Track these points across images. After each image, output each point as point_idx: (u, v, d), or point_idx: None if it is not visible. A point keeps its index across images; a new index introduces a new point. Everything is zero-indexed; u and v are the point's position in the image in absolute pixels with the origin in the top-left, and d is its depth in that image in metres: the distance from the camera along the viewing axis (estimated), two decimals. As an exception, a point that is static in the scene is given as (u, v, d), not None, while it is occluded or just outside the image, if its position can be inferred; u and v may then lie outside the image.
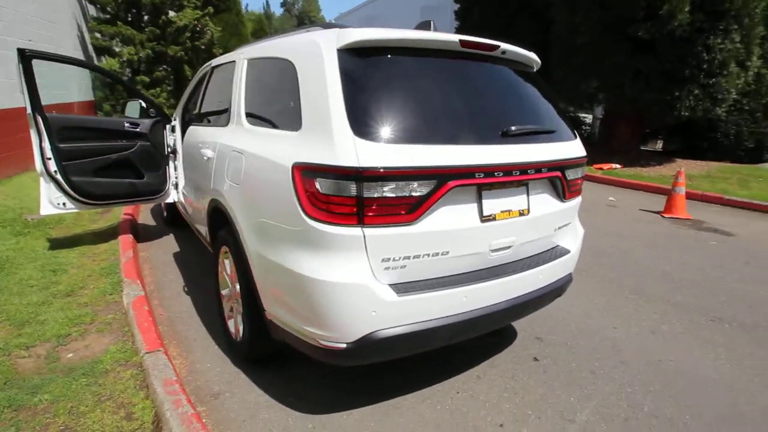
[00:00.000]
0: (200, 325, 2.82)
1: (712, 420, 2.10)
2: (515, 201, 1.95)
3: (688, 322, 3.05)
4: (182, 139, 4.13)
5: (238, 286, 2.34)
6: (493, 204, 1.87)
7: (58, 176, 3.56)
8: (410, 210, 1.66)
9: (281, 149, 1.82)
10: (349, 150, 1.58)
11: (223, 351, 2.54)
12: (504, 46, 2.07)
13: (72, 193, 3.65)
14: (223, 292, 2.64)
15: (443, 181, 1.69)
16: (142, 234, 4.52)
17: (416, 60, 1.88)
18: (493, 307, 1.92)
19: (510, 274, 1.96)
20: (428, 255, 1.75)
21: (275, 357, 2.42)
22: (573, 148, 2.20)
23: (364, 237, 1.63)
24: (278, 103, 2.11)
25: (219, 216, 2.52)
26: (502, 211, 1.90)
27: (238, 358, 2.44)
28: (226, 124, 2.53)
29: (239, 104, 2.42)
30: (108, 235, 4.34)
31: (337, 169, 1.58)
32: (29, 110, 3.35)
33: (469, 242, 1.83)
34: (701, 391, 2.31)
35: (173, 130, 4.08)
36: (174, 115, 4.15)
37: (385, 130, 1.65)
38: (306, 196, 1.65)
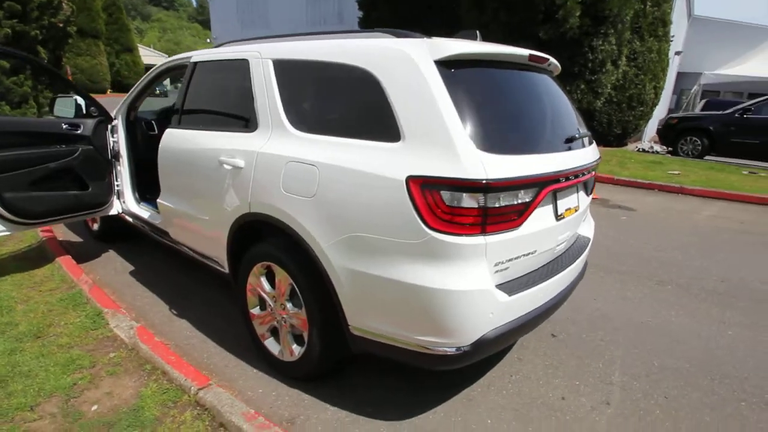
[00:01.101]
0: (221, 350, 2.58)
1: (700, 364, 2.61)
2: (573, 199, 2.18)
3: (643, 287, 3.67)
4: (127, 142, 3.63)
5: (289, 305, 2.21)
6: (563, 204, 2.07)
7: (-14, 194, 2.88)
8: (519, 216, 1.78)
9: (380, 162, 1.77)
10: (476, 162, 1.63)
11: (265, 373, 2.38)
12: (550, 58, 2.26)
13: (4, 212, 2.97)
14: (254, 311, 2.46)
15: (542, 188, 1.83)
16: (73, 254, 3.86)
17: (496, 72, 1.97)
18: (560, 294, 2.14)
19: (569, 264, 2.20)
20: (523, 255, 1.89)
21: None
22: (596, 150, 2.50)
23: (486, 244, 1.70)
24: (348, 112, 2.02)
25: (256, 230, 2.34)
26: (566, 210, 2.12)
27: (291, 377, 2.32)
28: (252, 130, 2.32)
29: (274, 109, 2.24)
30: (35, 258, 3.63)
31: (465, 182, 1.62)
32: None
33: (548, 240, 2.01)
34: (683, 343, 2.84)
35: (113, 131, 3.54)
36: (114, 114, 3.59)
37: (495, 141, 1.73)
38: (428, 208, 1.66)
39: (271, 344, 2.41)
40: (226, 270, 2.62)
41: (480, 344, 1.79)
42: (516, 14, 8.26)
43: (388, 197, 1.73)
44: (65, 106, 3.38)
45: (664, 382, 2.43)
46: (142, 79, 3.45)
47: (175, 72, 3.27)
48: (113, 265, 3.75)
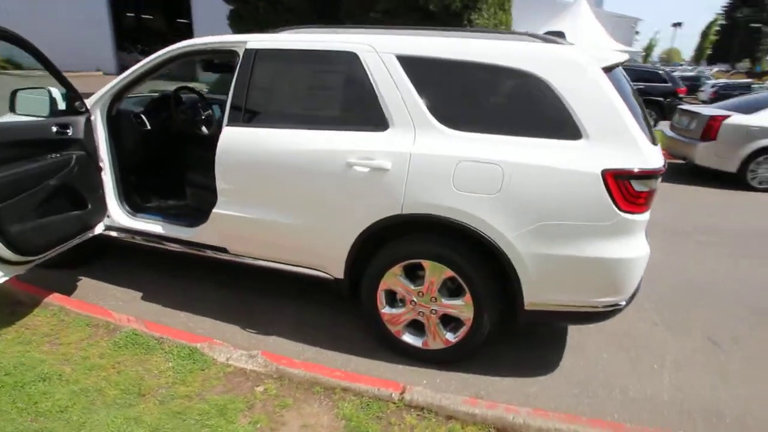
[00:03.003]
0: (348, 357, 2.54)
1: (717, 290, 3.61)
2: None
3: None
4: (109, 141, 2.95)
5: (443, 297, 2.34)
6: None
7: (-14, 233, 2.11)
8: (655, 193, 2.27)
9: (569, 158, 2.03)
10: (651, 154, 2.04)
11: (410, 366, 2.47)
12: None
13: (8, 253, 2.22)
14: (385, 311, 2.48)
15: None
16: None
17: (618, 73, 2.34)
18: None
19: None
20: None
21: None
22: None
23: (647, 218, 2.15)
24: (515, 112, 2.17)
25: (397, 231, 2.35)
26: None
27: (438, 363, 2.47)
28: (381, 129, 2.27)
29: (414, 108, 2.22)
30: (7, 304, 2.74)
31: (650, 171, 2.02)
32: None
33: None
34: (686, 273, 3.82)
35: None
36: (90, 107, 2.85)
37: (647, 136, 2.15)
38: (620, 194, 2.01)
39: (409, 338, 2.50)
40: (337, 276, 2.54)
41: (632, 297, 2.27)
42: (408, -17, 8.63)
43: (583, 188, 2.03)
44: (35, 103, 2.55)
45: (701, 305, 3.25)
46: (140, 64, 2.78)
47: (198, 57, 2.77)
48: (111, 293, 3.08)
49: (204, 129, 3.28)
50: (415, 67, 2.27)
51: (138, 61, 2.83)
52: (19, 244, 2.26)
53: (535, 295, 2.21)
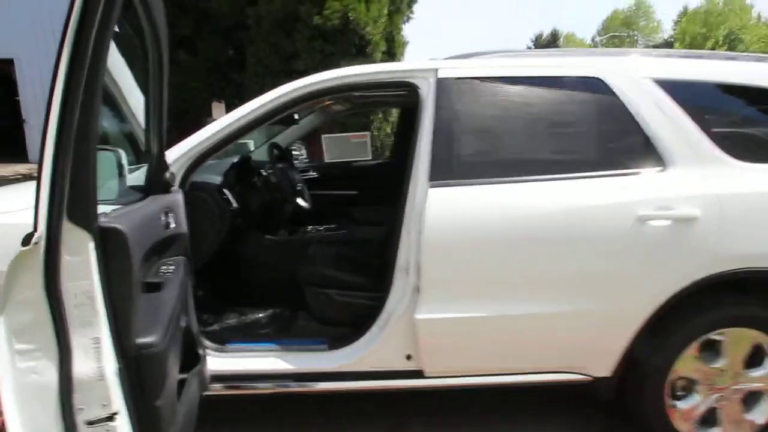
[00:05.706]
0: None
1: None
2: None
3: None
4: None
5: (751, 373, 1.87)
6: None
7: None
8: None
9: None
10: None
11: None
12: None
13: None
14: (676, 406, 1.87)
15: None
16: None
17: None
18: None
19: None
20: None
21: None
22: None
23: None
24: None
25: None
26: None
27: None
28: (661, 168, 1.79)
29: (695, 140, 1.80)
30: None
31: None
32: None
33: None
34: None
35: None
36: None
37: None
38: None
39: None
40: (599, 375, 1.87)
41: None
42: (332, 44, 8.40)
43: None
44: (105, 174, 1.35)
45: None
46: (242, 112, 1.75)
47: (342, 95, 1.90)
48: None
49: (301, 202, 2.27)
50: (682, 92, 1.87)
51: None
52: None
53: None
